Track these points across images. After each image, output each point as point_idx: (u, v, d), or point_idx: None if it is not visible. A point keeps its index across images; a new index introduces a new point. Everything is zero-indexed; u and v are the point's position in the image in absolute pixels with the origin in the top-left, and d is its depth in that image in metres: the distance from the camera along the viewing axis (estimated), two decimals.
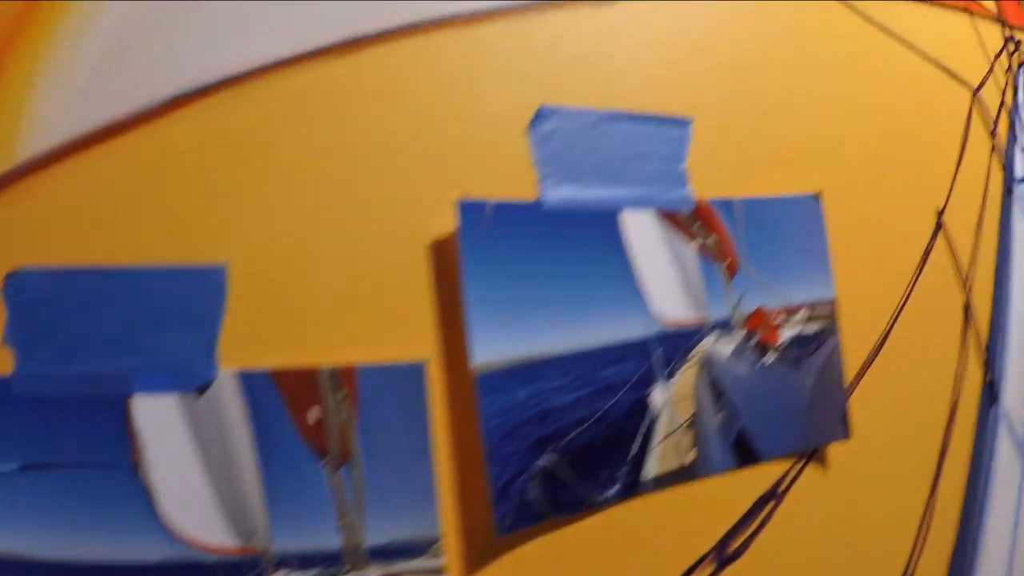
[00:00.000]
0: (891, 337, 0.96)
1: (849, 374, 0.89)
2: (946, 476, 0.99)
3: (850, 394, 0.89)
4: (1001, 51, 1.36)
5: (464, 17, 0.72)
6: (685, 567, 0.75)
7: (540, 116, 0.72)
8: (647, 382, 0.73)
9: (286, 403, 0.59)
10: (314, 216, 0.63)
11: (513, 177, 0.71)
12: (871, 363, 0.92)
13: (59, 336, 0.54)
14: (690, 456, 0.75)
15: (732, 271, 0.80)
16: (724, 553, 0.77)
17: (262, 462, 0.58)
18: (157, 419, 0.56)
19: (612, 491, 0.70)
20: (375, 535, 0.60)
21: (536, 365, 0.67)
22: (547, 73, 0.75)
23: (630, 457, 0.71)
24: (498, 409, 0.64)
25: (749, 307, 0.81)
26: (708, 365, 0.77)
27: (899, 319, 0.98)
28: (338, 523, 0.59)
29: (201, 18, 0.61)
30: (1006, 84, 1.35)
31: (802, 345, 0.84)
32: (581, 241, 0.72)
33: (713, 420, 0.77)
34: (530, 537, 0.67)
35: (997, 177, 1.24)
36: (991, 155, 1.24)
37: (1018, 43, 1.45)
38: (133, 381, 0.55)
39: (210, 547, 0.56)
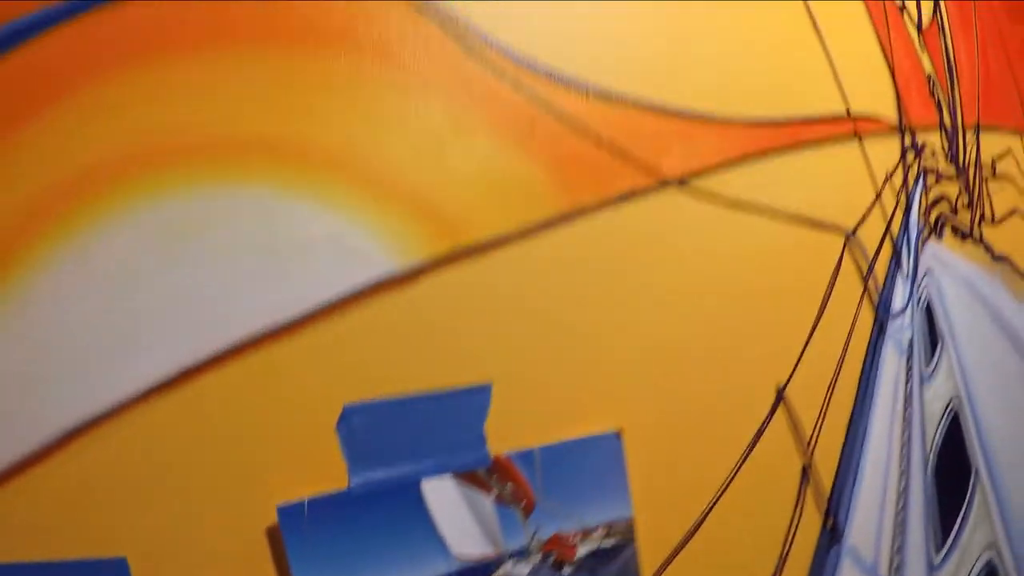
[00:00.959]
0: (709, 519, 1.09)
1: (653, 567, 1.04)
2: None
3: None
4: (893, 172, 1.37)
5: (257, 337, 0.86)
6: None
7: (346, 414, 0.88)
8: None
9: None
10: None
11: (331, 468, 0.87)
12: (679, 552, 1.07)
13: None
14: None
15: (528, 510, 0.95)
16: None
17: None
18: None
19: None
20: None
21: None
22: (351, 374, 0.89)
23: None
24: None
25: (547, 534, 0.96)
26: None
27: (720, 501, 1.10)
28: None
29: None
30: (895, 208, 1.38)
31: (599, 557, 0.99)
32: (387, 514, 0.88)
33: None
34: None
35: (866, 317, 1.30)
36: (862, 296, 1.30)
37: (921, 148, 1.45)
38: None
39: None
